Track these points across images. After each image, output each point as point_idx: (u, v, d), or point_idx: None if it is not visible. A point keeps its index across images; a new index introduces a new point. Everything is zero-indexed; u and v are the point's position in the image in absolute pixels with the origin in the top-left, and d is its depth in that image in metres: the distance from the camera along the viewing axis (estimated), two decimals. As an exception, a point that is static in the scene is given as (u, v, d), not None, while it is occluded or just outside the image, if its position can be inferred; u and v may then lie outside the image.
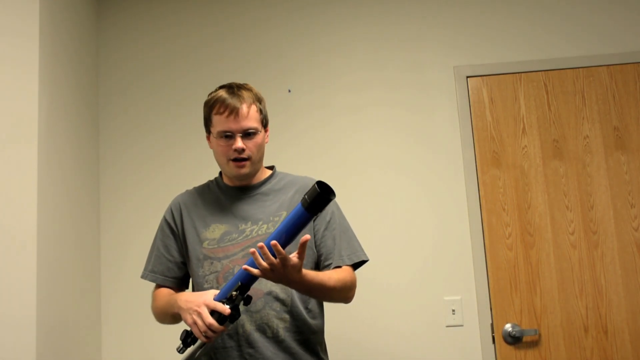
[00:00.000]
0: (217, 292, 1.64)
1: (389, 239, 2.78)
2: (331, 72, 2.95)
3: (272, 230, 1.80)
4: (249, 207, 1.87)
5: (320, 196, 1.47)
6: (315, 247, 1.86)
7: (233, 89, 1.85)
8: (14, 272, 2.15)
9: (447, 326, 2.71)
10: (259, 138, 1.84)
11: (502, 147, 2.81)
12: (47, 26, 2.40)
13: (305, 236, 1.54)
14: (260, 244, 1.53)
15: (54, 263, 2.33)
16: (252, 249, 1.55)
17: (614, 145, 2.77)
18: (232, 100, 1.80)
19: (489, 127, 2.83)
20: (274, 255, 1.52)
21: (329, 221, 1.86)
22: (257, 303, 1.75)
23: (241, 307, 1.63)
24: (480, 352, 2.67)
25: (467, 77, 2.88)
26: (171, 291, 1.91)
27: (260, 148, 1.86)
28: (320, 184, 1.48)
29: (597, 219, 2.72)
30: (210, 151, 1.91)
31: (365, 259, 1.88)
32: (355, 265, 1.87)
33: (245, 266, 1.56)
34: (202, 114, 1.91)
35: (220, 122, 1.82)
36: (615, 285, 2.67)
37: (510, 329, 2.66)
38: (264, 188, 1.91)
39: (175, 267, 1.92)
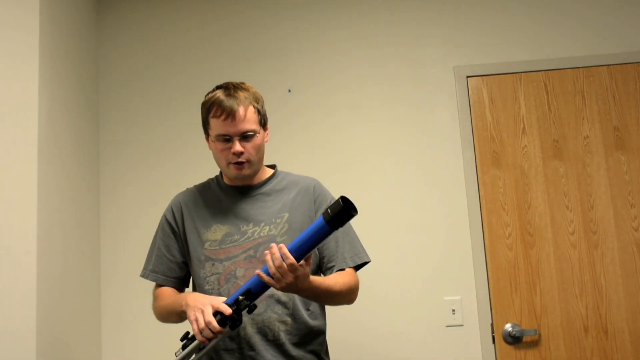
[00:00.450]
0: (226, 298, 1.62)
1: (389, 239, 2.77)
2: (331, 73, 2.94)
3: (274, 232, 1.80)
4: (250, 208, 1.86)
5: (344, 211, 1.47)
6: (318, 249, 1.85)
7: (229, 90, 1.81)
8: (13, 270, 2.14)
9: (447, 326, 2.71)
10: (257, 139, 1.82)
11: (502, 147, 2.81)
12: (47, 22, 2.39)
13: None
14: (272, 245, 1.55)
15: (54, 261, 2.32)
16: (266, 252, 1.55)
17: (614, 145, 2.77)
18: (228, 103, 1.77)
19: (489, 127, 2.83)
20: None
21: None
22: (258, 306, 1.74)
23: (244, 314, 1.62)
24: (480, 352, 2.67)
25: (467, 77, 2.88)
26: (175, 291, 1.90)
27: (260, 149, 1.84)
28: (344, 199, 1.48)
29: (597, 219, 2.72)
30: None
31: (367, 261, 1.88)
32: (358, 267, 1.86)
33: (258, 272, 1.56)
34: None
35: (217, 126, 1.79)
36: (615, 285, 2.67)
37: (510, 329, 2.66)
38: (266, 188, 1.90)
39: (177, 267, 1.91)
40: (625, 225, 2.71)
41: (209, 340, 1.58)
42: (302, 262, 1.55)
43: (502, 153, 2.80)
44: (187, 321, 1.72)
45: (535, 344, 2.66)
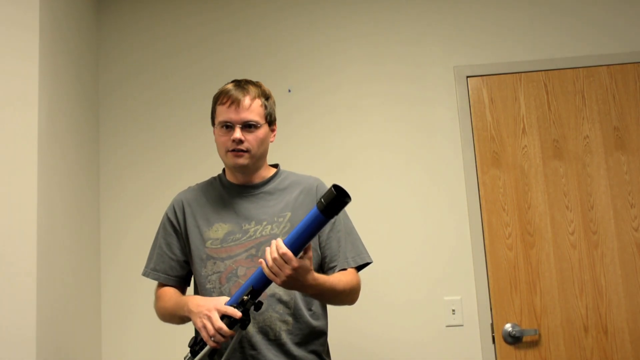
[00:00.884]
0: (227, 298, 1.62)
1: (389, 239, 2.77)
2: (331, 72, 2.94)
3: (276, 231, 1.80)
4: (252, 207, 1.85)
5: (337, 199, 1.46)
6: (320, 249, 1.84)
7: (241, 82, 1.85)
8: (13, 270, 2.13)
9: (447, 326, 2.71)
10: (260, 132, 1.82)
11: (502, 147, 2.81)
12: (47, 20, 2.38)
13: None
14: (273, 241, 1.54)
15: (54, 261, 2.32)
16: (261, 259, 1.55)
17: (614, 145, 2.77)
18: (235, 92, 1.80)
19: (489, 127, 2.83)
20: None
21: (334, 223, 1.85)
22: None
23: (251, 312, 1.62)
24: (480, 352, 2.67)
25: (467, 77, 2.88)
26: (177, 291, 1.90)
27: (262, 143, 1.84)
28: (337, 187, 1.47)
29: (597, 219, 2.72)
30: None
31: (369, 261, 1.87)
32: (360, 267, 1.86)
33: (262, 261, 1.56)
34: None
35: (221, 113, 1.82)
36: (615, 285, 2.67)
37: (510, 329, 2.66)
38: (268, 187, 1.89)
39: (178, 266, 1.90)
40: (625, 225, 2.71)
41: (219, 343, 1.57)
42: (300, 254, 1.54)
43: (502, 153, 2.80)
44: (188, 321, 1.73)
45: (535, 344, 2.66)
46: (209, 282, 1.80)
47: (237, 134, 1.78)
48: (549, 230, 2.73)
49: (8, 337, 2.09)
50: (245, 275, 1.76)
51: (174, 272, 1.90)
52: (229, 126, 1.80)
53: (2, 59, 2.25)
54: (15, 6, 2.29)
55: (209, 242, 1.83)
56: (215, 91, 1.90)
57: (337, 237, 1.84)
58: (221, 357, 1.65)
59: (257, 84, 1.87)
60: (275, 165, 1.97)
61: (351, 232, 1.88)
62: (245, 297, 1.56)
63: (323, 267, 1.86)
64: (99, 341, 2.76)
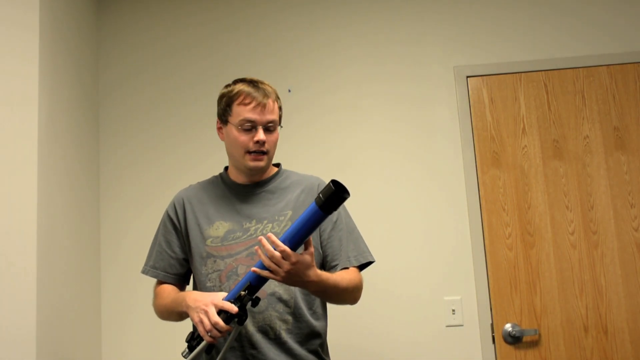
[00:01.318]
0: (225, 294, 1.62)
1: (389, 239, 2.77)
2: (331, 72, 2.94)
3: (277, 229, 1.79)
4: (254, 206, 1.85)
5: (335, 195, 1.46)
6: (321, 247, 1.84)
7: (255, 83, 1.84)
8: (13, 270, 2.13)
9: (447, 326, 2.71)
10: (277, 134, 1.85)
11: (502, 147, 2.81)
12: (47, 20, 2.38)
13: None
14: (260, 237, 1.53)
15: (54, 260, 2.31)
16: (257, 247, 1.54)
17: (614, 145, 2.77)
18: (258, 94, 1.80)
19: (489, 127, 2.83)
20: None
21: (336, 221, 1.85)
22: (260, 304, 1.74)
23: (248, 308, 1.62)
24: (480, 352, 2.67)
25: (467, 77, 2.88)
26: (176, 288, 1.89)
27: (276, 145, 1.86)
28: (335, 182, 1.47)
29: (597, 219, 2.72)
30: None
31: (371, 260, 1.87)
32: (362, 266, 1.86)
33: (254, 268, 1.55)
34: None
35: (243, 112, 1.79)
36: (615, 285, 2.67)
37: (510, 329, 2.66)
38: (270, 186, 1.89)
39: (177, 264, 1.90)
40: (625, 225, 2.71)
41: (215, 338, 1.57)
42: (301, 251, 1.54)
43: (502, 153, 2.80)
44: (188, 319, 1.73)
45: (535, 344, 2.66)
46: (209, 280, 1.80)
47: (261, 135, 1.79)
48: (549, 230, 2.73)
49: (8, 337, 2.09)
50: (245, 274, 1.76)
51: (173, 270, 1.90)
52: (249, 127, 1.80)
53: (2, 59, 2.25)
54: (15, 6, 2.29)
55: (210, 240, 1.83)
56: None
57: (338, 236, 1.84)
58: (218, 353, 1.65)
59: (268, 85, 1.87)
60: (277, 165, 1.97)
61: (353, 231, 1.88)
62: (243, 293, 1.55)
63: (325, 266, 1.85)
64: (99, 341, 2.76)
